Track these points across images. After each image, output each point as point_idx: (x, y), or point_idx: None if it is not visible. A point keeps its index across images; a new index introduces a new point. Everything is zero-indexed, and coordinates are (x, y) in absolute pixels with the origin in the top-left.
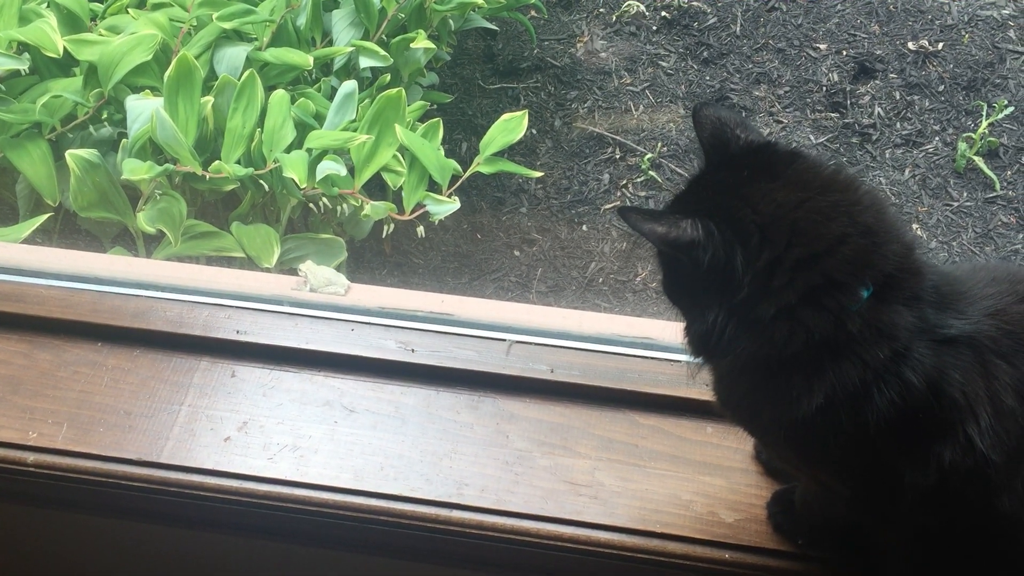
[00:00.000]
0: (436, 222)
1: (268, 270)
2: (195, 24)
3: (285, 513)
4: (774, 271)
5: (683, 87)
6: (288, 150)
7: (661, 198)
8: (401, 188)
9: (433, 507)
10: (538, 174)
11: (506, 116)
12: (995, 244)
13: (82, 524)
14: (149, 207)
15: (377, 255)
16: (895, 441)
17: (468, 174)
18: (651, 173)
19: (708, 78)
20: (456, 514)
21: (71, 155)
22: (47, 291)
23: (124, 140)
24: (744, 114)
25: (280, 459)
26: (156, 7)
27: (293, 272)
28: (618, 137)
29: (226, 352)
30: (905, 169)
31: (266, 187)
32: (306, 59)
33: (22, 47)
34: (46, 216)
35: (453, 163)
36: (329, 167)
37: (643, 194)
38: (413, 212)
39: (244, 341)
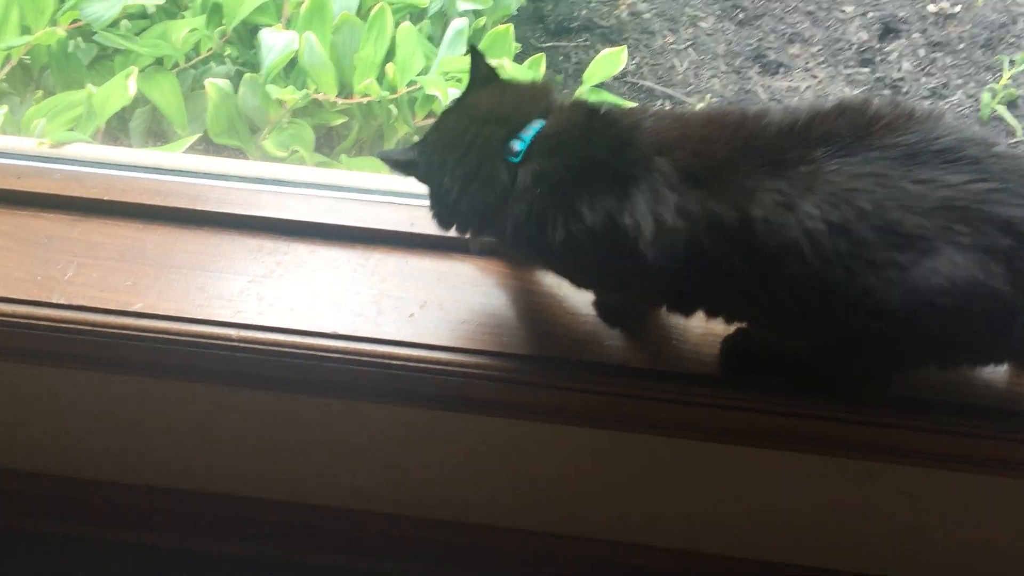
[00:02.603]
0: None
1: None
2: None
3: (463, 379)
4: (445, 168)
5: (722, 46)
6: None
7: None
8: None
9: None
10: (633, 104)
11: (605, 51)
12: None
13: (278, 401)
14: (275, 134)
15: None
16: (599, 260)
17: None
18: None
19: (745, 37)
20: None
21: (211, 83)
22: (234, 193)
23: (246, 74)
24: (782, 70)
25: (460, 331)
26: None
27: None
28: (667, 90)
29: (399, 243)
30: None
31: (393, 112)
32: None
33: None
34: (196, 136)
35: None
36: (453, 92)
37: None
38: None
39: (416, 232)
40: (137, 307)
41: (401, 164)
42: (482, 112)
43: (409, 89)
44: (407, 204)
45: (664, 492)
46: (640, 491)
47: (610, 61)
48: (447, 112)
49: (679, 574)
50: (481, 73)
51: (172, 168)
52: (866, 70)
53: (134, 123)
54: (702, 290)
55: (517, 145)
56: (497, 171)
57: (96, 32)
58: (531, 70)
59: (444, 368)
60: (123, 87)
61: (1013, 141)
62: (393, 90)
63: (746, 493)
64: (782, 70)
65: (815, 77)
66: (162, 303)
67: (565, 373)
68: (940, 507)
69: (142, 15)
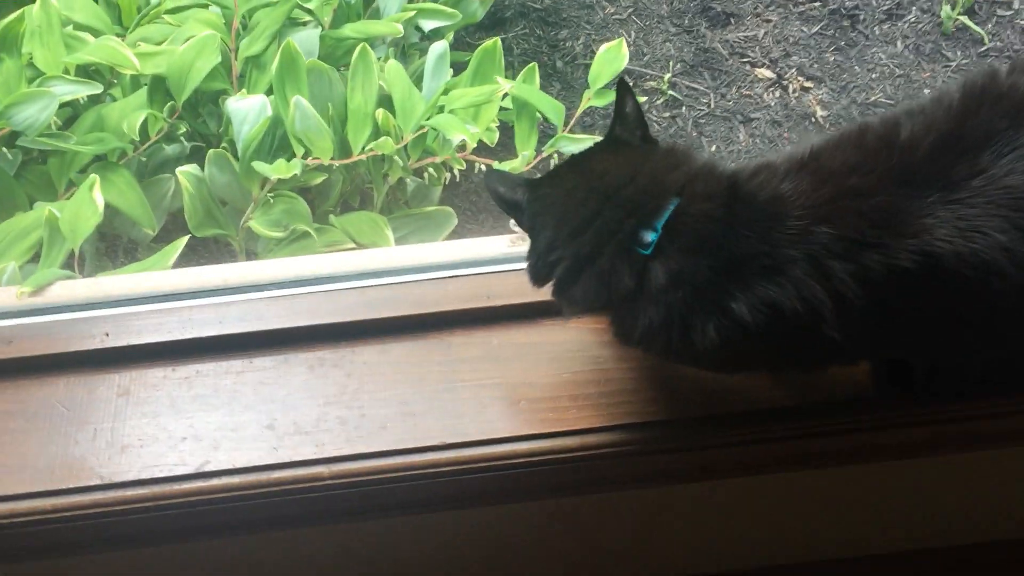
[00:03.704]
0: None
1: None
2: (244, 17)
3: (600, 461)
4: (553, 245)
5: (665, 7)
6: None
7: (686, 115)
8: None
9: None
10: (640, 100)
11: (605, 47)
12: None
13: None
14: (262, 213)
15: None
16: (757, 352)
17: (582, 109)
18: (671, 93)
19: None
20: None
21: (182, 172)
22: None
23: (210, 151)
24: (732, 20)
25: (582, 411)
26: (179, 9)
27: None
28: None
29: (481, 320)
30: (897, 41)
31: (397, 162)
32: (394, 27)
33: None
34: (186, 237)
35: (560, 104)
36: (473, 128)
37: (668, 114)
38: (529, 162)
39: (497, 305)
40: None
41: (504, 200)
42: (609, 185)
43: (416, 135)
44: (474, 274)
45: (829, 513)
46: (806, 516)
47: (612, 57)
48: (568, 166)
49: None
50: (626, 117)
51: (203, 287)
52: (818, 3)
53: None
54: (887, 342)
55: (648, 236)
56: (620, 266)
57: (21, 135)
58: (527, 84)
59: (574, 455)
60: (90, 201)
61: (982, 49)
62: (397, 139)
63: (902, 499)
64: (733, 20)
65: (768, 21)
66: (235, 456)
67: (715, 431)
68: None
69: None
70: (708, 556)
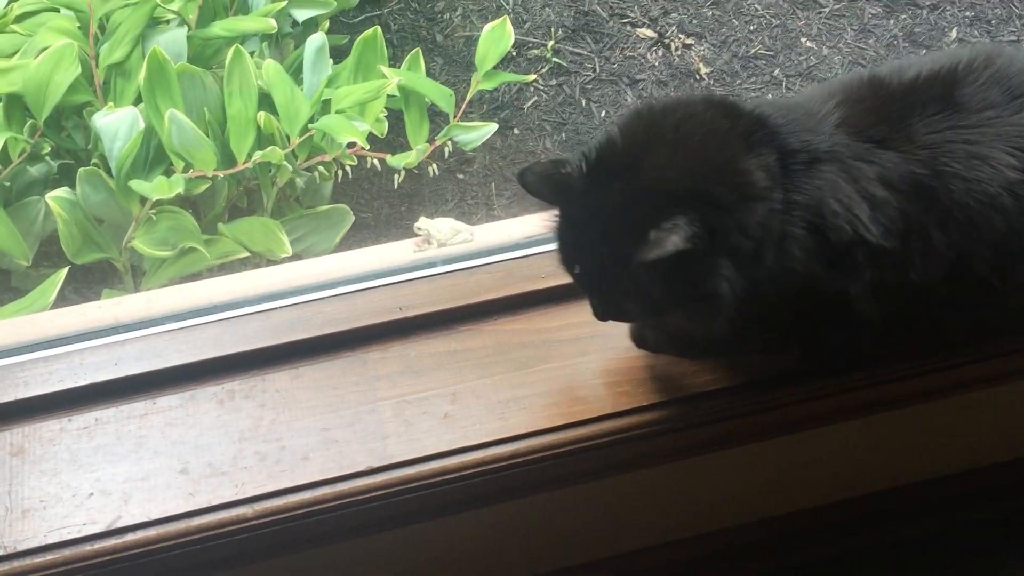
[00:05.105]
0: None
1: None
2: (102, 20)
3: (537, 464)
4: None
5: None
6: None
7: (573, 81)
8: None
9: None
10: (532, 77)
11: (488, 27)
12: (874, 36)
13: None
14: (146, 232)
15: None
16: (821, 266)
17: (472, 94)
18: (555, 60)
19: None
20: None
21: (52, 198)
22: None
23: (81, 170)
24: None
25: (510, 417)
26: (28, 16)
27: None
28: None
29: (395, 333)
30: None
31: (286, 167)
32: (267, 23)
33: None
34: (65, 269)
35: (449, 90)
36: (363, 126)
37: (555, 82)
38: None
39: (411, 316)
40: None
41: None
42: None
43: (303, 137)
44: (383, 285)
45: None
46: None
47: (498, 36)
48: (643, 139)
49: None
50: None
51: (93, 327)
52: None
53: None
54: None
55: None
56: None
57: None
58: (413, 71)
59: (507, 464)
60: None
61: None
62: (283, 144)
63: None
64: None
65: None
66: (149, 507)
67: (647, 420)
68: None
69: None
70: (673, 526)
